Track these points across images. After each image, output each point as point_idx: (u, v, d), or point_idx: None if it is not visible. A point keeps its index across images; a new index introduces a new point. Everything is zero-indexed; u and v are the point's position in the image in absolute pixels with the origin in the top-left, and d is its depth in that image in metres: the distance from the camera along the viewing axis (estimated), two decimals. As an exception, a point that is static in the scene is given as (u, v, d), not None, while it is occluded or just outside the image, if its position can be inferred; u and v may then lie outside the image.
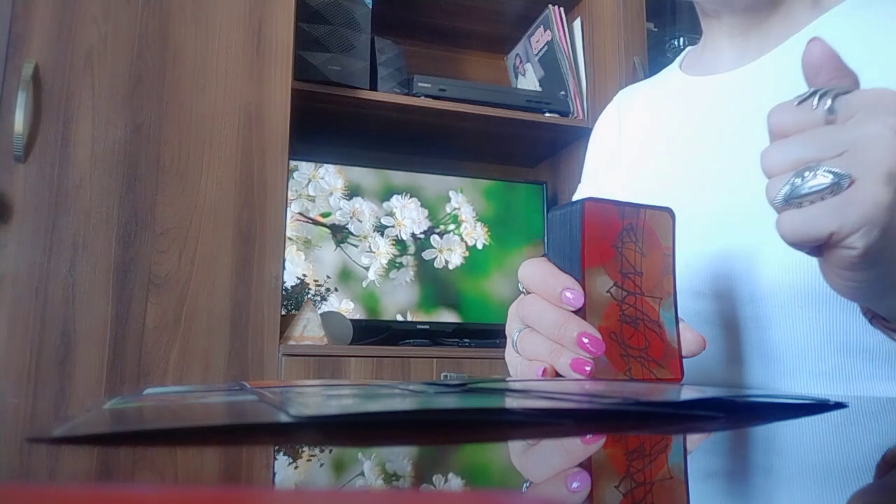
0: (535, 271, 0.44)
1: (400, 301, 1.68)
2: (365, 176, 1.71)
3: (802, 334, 0.51)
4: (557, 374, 0.42)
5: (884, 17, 0.56)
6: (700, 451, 0.22)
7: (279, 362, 1.34)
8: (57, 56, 1.31)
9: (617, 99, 0.80)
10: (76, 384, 1.23)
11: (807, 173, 0.34)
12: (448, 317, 1.70)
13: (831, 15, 0.59)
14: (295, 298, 1.58)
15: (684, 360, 0.45)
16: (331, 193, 1.67)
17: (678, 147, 0.66)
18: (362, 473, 0.17)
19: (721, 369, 0.57)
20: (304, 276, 1.61)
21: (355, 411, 0.25)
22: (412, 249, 1.71)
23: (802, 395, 0.34)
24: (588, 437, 0.24)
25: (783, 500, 0.15)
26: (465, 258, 1.74)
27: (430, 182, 1.76)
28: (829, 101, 0.36)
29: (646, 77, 1.63)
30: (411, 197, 1.73)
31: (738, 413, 0.30)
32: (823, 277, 0.39)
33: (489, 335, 1.67)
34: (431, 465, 0.19)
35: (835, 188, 0.34)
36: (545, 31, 1.81)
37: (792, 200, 0.35)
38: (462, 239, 1.75)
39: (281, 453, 0.20)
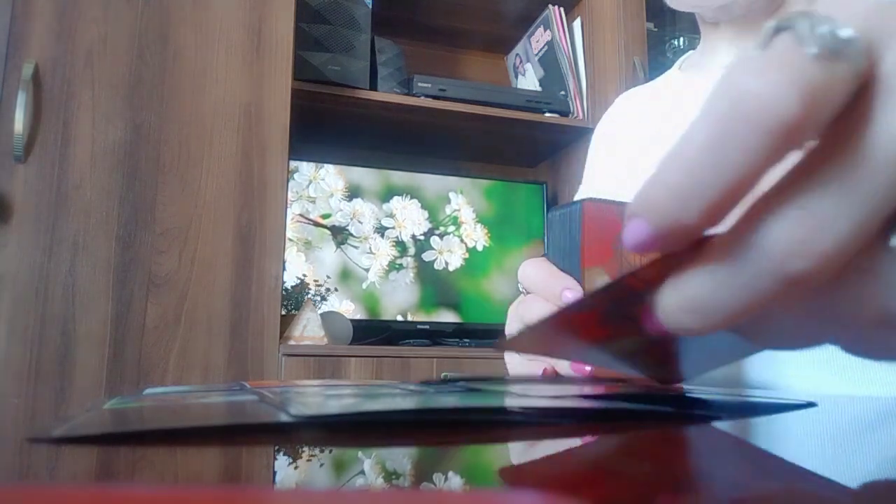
0: (535, 271, 0.44)
1: (400, 301, 1.68)
2: (365, 176, 1.71)
3: None
4: (557, 374, 0.42)
5: None
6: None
7: (279, 362, 1.34)
8: (57, 56, 1.31)
9: (617, 102, 0.82)
10: (76, 384, 1.23)
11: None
12: (448, 317, 1.70)
13: None
14: (295, 298, 1.58)
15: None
16: (331, 195, 1.67)
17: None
18: (362, 472, 0.17)
19: None
20: (304, 276, 1.61)
21: (355, 411, 0.25)
22: (412, 251, 1.71)
23: (773, 399, 0.34)
24: (587, 436, 0.24)
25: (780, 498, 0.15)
26: (464, 259, 1.74)
27: (431, 182, 1.76)
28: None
29: (646, 77, 1.63)
30: (412, 198, 1.73)
31: (733, 412, 0.30)
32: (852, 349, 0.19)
33: (489, 335, 1.67)
34: (431, 464, 0.19)
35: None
36: (545, 31, 1.81)
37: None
38: (462, 240, 1.75)
39: (281, 453, 0.20)
